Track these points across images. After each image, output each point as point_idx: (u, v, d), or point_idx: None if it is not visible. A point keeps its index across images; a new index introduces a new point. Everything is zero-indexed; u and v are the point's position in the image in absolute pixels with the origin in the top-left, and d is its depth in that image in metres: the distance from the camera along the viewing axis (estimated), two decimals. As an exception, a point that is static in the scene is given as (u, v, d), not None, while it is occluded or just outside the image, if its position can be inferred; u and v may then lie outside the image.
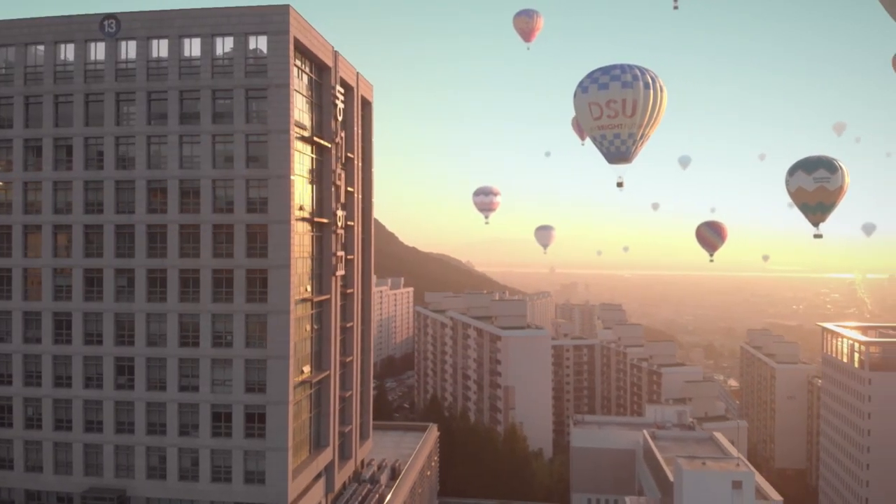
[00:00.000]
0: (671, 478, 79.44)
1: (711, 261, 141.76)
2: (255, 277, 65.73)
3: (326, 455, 75.36)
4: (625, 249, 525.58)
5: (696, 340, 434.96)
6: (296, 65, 67.45)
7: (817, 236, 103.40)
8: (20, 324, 68.72)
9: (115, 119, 67.26)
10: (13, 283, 68.80)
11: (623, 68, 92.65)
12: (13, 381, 68.87)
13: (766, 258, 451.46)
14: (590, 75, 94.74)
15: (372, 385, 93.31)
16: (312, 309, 72.60)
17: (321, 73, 75.00)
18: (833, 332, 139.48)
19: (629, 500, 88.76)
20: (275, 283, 64.97)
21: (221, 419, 66.38)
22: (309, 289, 71.58)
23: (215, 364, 66.33)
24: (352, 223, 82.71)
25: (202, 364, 66.33)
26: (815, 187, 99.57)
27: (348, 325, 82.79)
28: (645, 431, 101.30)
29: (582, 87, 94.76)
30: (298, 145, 68.14)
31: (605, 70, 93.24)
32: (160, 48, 66.79)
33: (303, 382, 69.64)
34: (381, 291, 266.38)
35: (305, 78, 71.30)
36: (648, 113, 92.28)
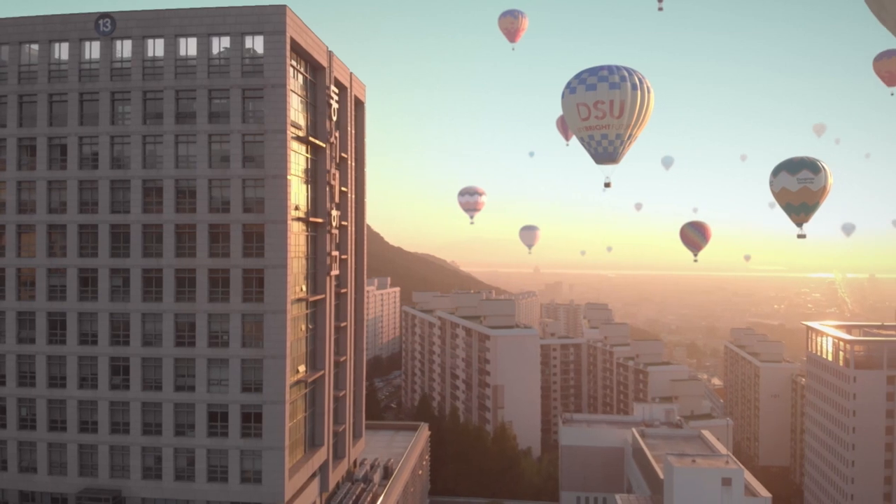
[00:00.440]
0: (661, 475, 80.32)
1: (696, 261, 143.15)
2: (251, 277, 65.85)
3: (321, 454, 75.56)
4: (608, 249, 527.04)
5: (679, 339, 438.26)
6: (291, 65, 67.58)
7: (801, 236, 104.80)
8: (14, 324, 68.38)
9: (109, 118, 67.09)
10: (7, 282, 68.46)
11: (611, 69, 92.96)
12: (7, 381, 68.56)
13: (747, 258, 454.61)
14: (578, 76, 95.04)
15: (364, 385, 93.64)
16: (307, 308, 72.80)
17: (315, 73, 75.18)
18: (818, 331, 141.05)
19: (619, 498, 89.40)
20: (271, 283, 65.09)
21: (218, 419, 66.43)
22: (304, 288, 71.79)
23: (211, 364, 66.37)
24: (346, 223, 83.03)
25: (198, 364, 66.35)
26: (799, 188, 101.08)
27: (342, 324, 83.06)
28: (634, 429, 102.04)
29: (570, 88, 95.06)
30: (294, 145, 68.30)
31: (592, 71, 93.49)
32: (156, 47, 66.70)
33: (298, 382, 69.81)
34: (367, 291, 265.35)
35: (300, 78, 71.45)
36: (636, 114, 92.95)
